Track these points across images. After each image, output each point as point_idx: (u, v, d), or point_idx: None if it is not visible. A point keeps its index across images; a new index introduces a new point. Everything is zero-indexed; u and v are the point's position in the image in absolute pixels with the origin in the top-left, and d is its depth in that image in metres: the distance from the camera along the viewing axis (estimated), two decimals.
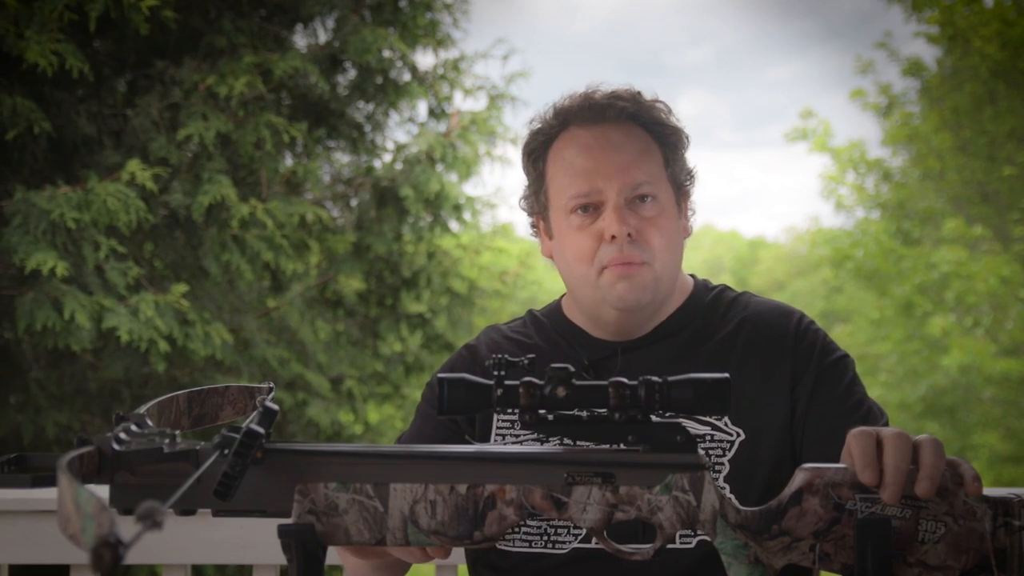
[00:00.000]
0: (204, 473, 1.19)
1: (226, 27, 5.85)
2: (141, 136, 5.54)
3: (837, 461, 1.39)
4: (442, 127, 6.72)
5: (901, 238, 13.47)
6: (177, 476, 1.20)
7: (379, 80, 6.46)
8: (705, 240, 34.25)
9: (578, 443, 1.35)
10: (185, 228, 5.71)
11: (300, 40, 6.41)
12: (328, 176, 6.84)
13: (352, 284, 6.83)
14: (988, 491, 1.39)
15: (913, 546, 1.33)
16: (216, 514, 1.31)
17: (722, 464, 1.73)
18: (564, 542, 1.74)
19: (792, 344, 1.79)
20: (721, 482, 1.71)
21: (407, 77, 6.55)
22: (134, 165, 5.18)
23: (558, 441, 1.63)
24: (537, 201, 1.86)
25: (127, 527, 0.94)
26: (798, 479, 1.35)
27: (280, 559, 2.09)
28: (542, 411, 1.31)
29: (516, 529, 1.32)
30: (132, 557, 2.20)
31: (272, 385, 1.43)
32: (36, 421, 5.59)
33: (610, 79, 1.85)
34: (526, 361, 1.31)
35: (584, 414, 1.32)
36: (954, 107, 13.24)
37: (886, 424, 1.74)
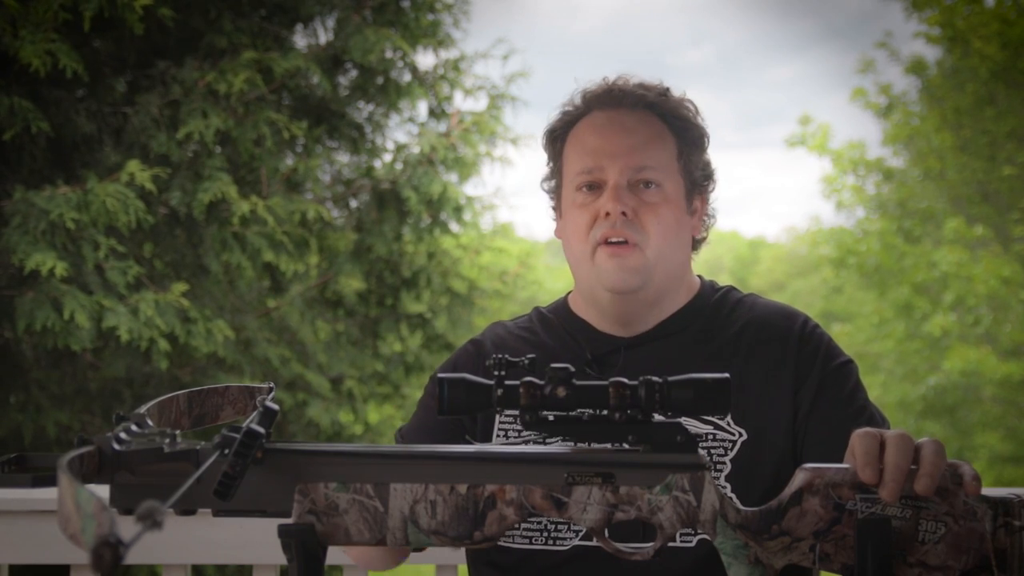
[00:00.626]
0: (204, 473, 1.19)
1: (226, 27, 5.85)
2: (141, 134, 5.54)
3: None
4: (442, 127, 6.72)
5: (903, 236, 13.49)
6: (177, 476, 1.21)
7: (380, 80, 6.46)
8: None
9: (578, 443, 1.35)
10: (185, 226, 5.71)
11: (300, 40, 6.41)
12: (328, 176, 6.84)
13: (352, 284, 6.83)
14: (988, 491, 1.39)
15: (913, 546, 1.33)
16: (216, 514, 1.31)
17: (724, 464, 1.73)
18: (565, 539, 1.74)
19: (796, 347, 1.80)
20: (723, 482, 1.72)
21: (408, 77, 6.55)
22: (133, 166, 5.18)
23: (560, 440, 1.63)
24: (554, 181, 1.89)
25: (127, 527, 0.94)
26: (798, 479, 1.35)
27: (280, 559, 2.09)
28: (543, 411, 1.31)
29: (517, 526, 1.32)
30: (132, 557, 2.20)
31: (272, 385, 1.43)
32: (36, 421, 5.59)
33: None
34: (526, 361, 1.31)
35: (584, 414, 1.32)
36: (955, 107, 13.24)
37: None
